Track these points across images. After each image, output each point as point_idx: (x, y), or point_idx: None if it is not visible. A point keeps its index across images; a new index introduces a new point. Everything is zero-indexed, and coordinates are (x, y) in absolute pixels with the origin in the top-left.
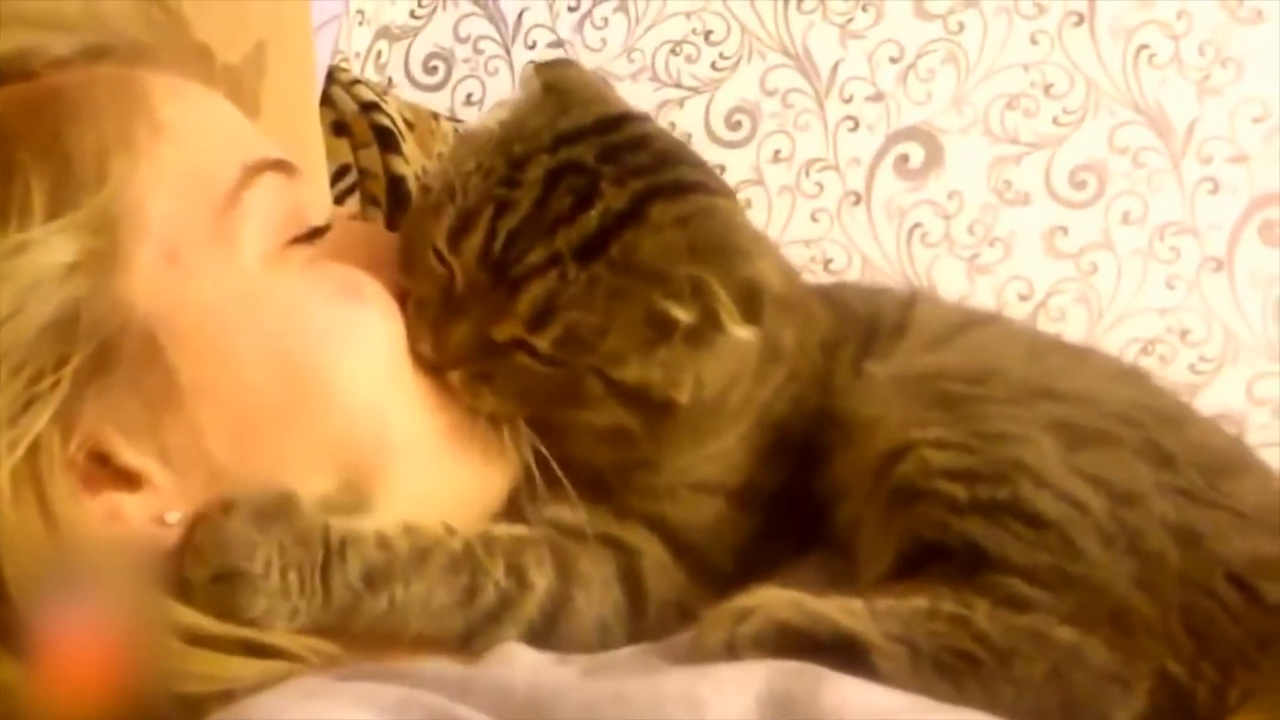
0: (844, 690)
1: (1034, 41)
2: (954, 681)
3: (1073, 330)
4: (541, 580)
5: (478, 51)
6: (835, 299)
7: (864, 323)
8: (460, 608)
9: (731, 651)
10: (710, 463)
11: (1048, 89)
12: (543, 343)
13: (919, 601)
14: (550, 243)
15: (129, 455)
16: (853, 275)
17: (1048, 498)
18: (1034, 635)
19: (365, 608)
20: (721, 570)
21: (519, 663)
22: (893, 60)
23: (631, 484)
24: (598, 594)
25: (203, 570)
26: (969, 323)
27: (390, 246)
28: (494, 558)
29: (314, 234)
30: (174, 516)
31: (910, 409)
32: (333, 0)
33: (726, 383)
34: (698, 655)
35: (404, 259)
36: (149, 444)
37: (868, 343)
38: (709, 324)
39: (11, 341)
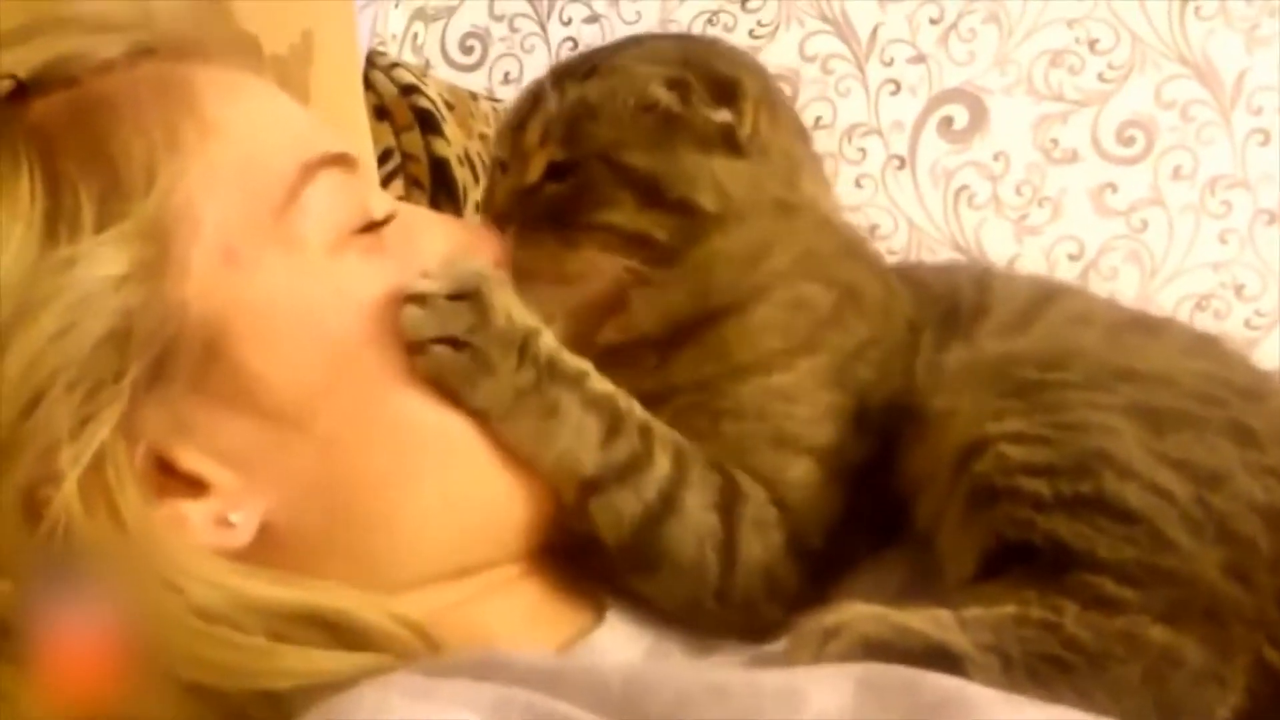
0: (944, 678)
1: None
2: (1048, 688)
3: (1125, 288)
4: (664, 460)
5: (514, 30)
6: (912, 279)
7: (944, 303)
8: (600, 446)
9: None
10: (784, 405)
11: (1092, 45)
12: (553, 148)
13: (1007, 608)
14: (563, 82)
15: (191, 461)
16: (899, 241)
17: (1133, 489)
18: (1126, 637)
19: (536, 396)
20: (816, 549)
21: (610, 659)
22: (933, 21)
23: (720, 430)
24: (700, 510)
25: (446, 286)
26: (1045, 299)
27: (442, 230)
28: (632, 415)
29: (374, 226)
30: (238, 517)
31: (984, 399)
32: None
33: (754, 212)
34: None
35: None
36: (210, 446)
37: (949, 325)
38: (695, 115)
39: (65, 358)
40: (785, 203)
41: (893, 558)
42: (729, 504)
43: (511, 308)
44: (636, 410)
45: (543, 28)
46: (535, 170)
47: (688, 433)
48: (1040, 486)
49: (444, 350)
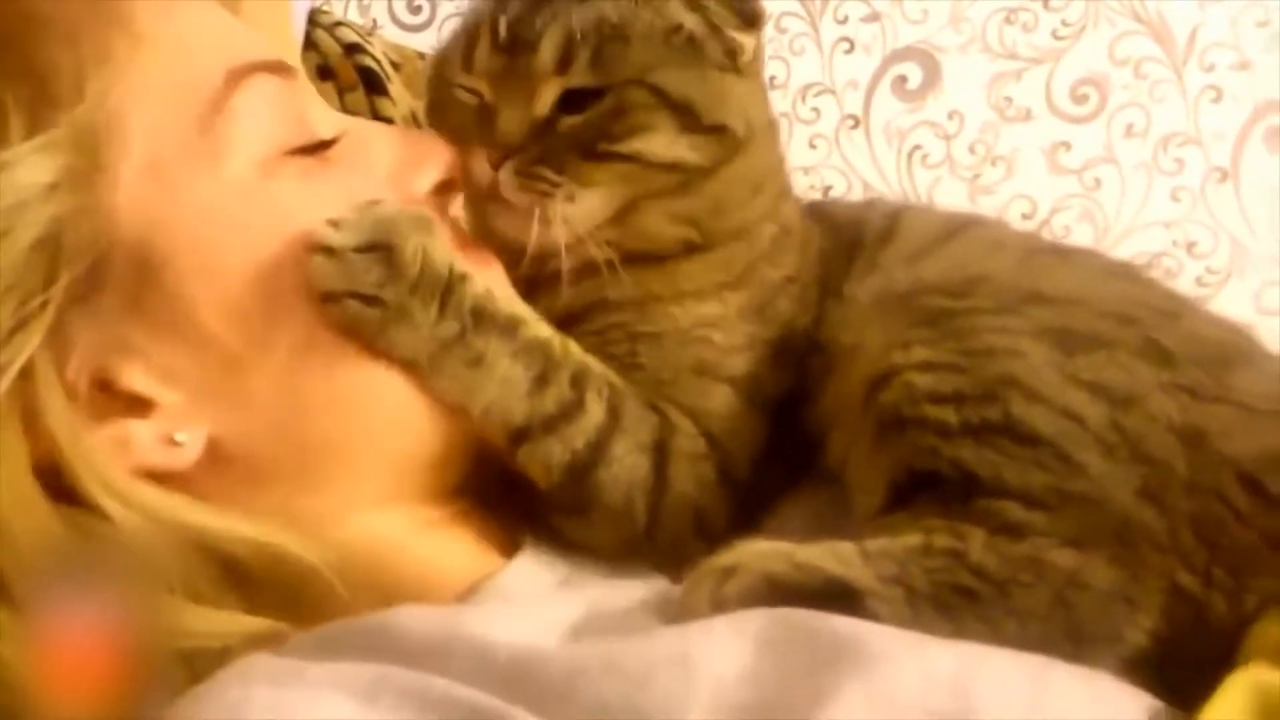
0: (850, 622)
1: None
2: (954, 619)
3: None
4: (596, 409)
5: None
6: (821, 213)
7: (848, 233)
8: (528, 396)
9: (719, 612)
10: (706, 331)
11: (1045, 1)
12: (577, 75)
13: (912, 539)
14: (551, 4)
15: (132, 379)
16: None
17: (1041, 413)
18: (1032, 563)
19: (460, 347)
20: (742, 478)
21: (503, 625)
22: None
23: (638, 357)
24: (632, 454)
25: (355, 237)
26: (955, 228)
27: (392, 143)
28: (566, 361)
29: (319, 147)
30: (183, 436)
31: (892, 330)
32: None
33: (761, 135)
34: (684, 618)
35: (437, 120)
36: (153, 365)
37: (852, 255)
38: (717, 39)
39: None
40: (774, 126)
41: (806, 496)
42: (661, 441)
43: (433, 255)
44: (573, 355)
45: None
46: (547, 98)
47: (604, 358)
48: (947, 414)
49: (354, 304)
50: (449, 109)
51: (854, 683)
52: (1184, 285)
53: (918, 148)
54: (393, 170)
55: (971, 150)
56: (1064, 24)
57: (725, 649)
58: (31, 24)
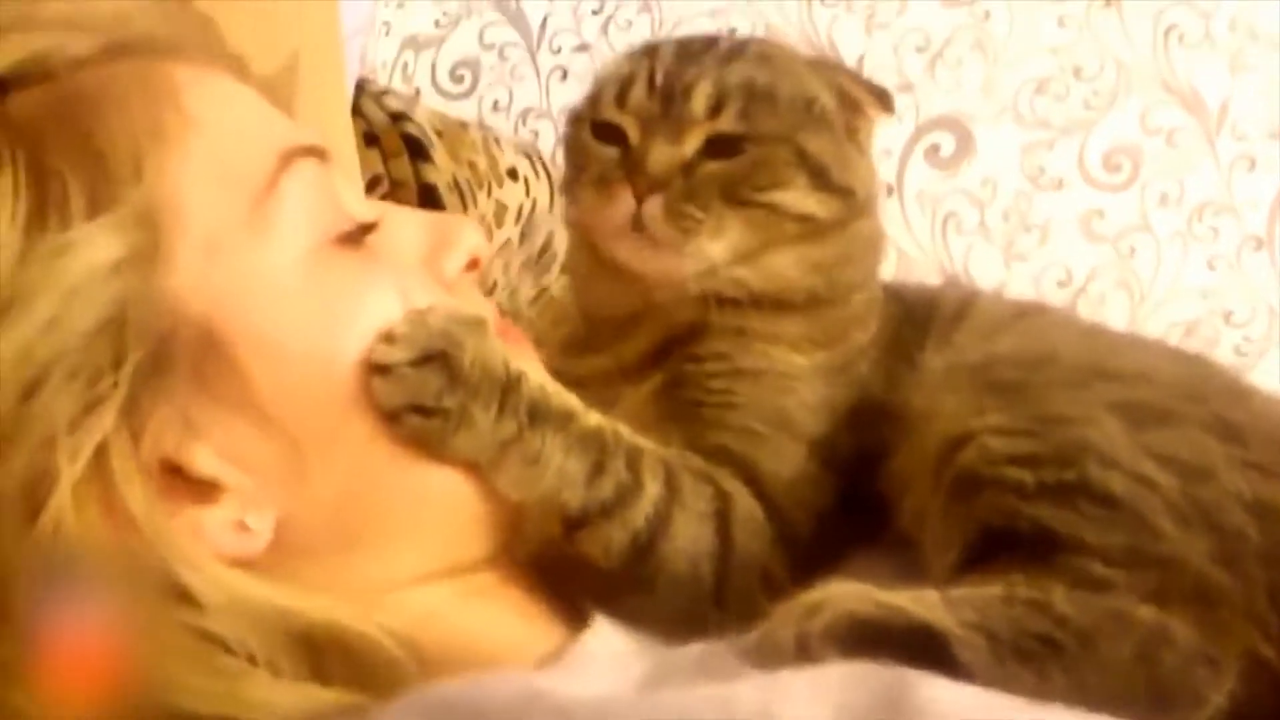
0: (934, 688)
1: (1061, 24)
2: (1037, 668)
3: (1114, 315)
4: (653, 486)
5: (503, 58)
6: (893, 291)
7: (922, 310)
8: (584, 485)
9: (802, 648)
10: (790, 382)
11: (1077, 72)
12: (727, 121)
13: (994, 588)
14: (702, 58)
15: (204, 463)
16: (887, 269)
17: (1117, 477)
18: (1116, 615)
19: (519, 446)
20: (802, 538)
21: (584, 674)
22: (919, 49)
23: (734, 394)
24: (694, 524)
25: (412, 351)
26: (1024, 311)
27: (421, 229)
28: (619, 447)
29: (360, 232)
30: (254, 521)
31: (966, 398)
32: (359, 11)
33: (874, 203)
34: (767, 653)
35: (575, 173)
36: (221, 447)
37: (926, 329)
38: (848, 113)
39: (62, 345)
40: (878, 199)
41: (877, 556)
42: (721, 510)
43: (489, 358)
44: (625, 439)
45: (532, 57)
46: (694, 141)
47: (700, 392)
48: (1024, 475)
49: (417, 417)
50: (588, 158)
51: None
52: (1222, 354)
53: (952, 215)
54: (424, 255)
55: (1005, 218)
56: (1095, 94)
57: (806, 707)
58: (86, 100)
